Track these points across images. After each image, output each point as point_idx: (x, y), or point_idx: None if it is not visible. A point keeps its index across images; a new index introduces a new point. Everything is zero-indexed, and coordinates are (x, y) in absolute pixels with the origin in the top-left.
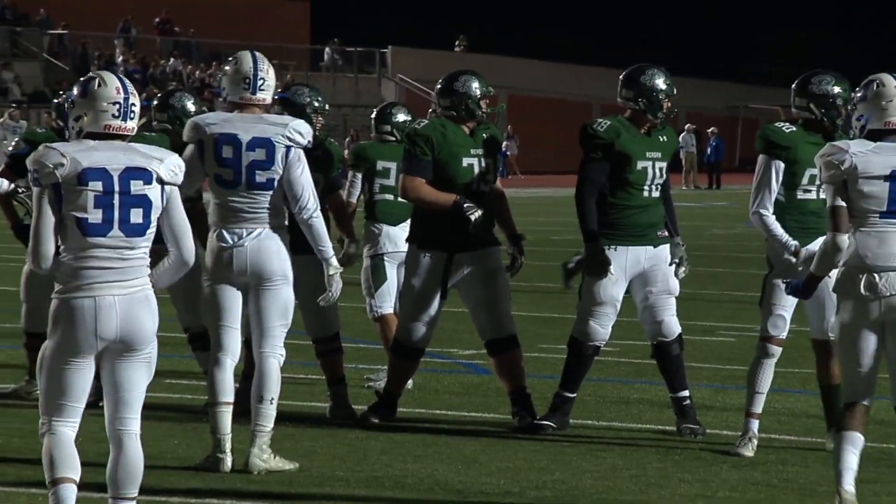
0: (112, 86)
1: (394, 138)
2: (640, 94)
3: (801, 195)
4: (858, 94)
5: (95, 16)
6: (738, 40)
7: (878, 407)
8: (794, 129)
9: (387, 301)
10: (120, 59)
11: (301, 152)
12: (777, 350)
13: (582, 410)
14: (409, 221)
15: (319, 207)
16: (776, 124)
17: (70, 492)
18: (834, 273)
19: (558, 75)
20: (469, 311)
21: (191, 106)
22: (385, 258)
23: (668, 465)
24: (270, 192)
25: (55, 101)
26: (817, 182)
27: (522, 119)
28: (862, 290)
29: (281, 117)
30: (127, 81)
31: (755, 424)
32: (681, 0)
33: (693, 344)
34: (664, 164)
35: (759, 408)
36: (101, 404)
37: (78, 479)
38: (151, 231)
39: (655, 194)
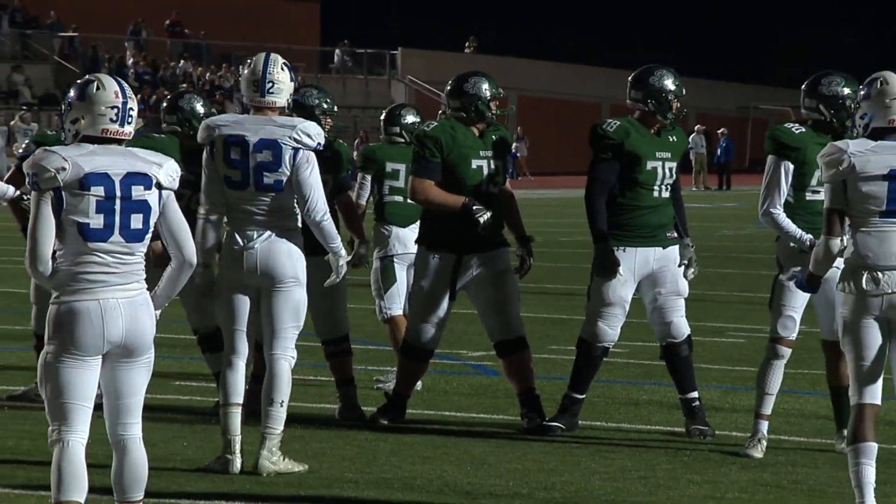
0: (111, 90)
1: (403, 140)
2: (649, 95)
3: (809, 196)
4: (862, 93)
5: (106, 18)
6: (749, 41)
7: (888, 408)
8: (804, 129)
9: (396, 303)
10: (130, 61)
11: (311, 154)
12: (787, 351)
13: (591, 412)
14: (418, 223)
15: (328, 210)
16: (785, 125)
17: None
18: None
19: (568, 76)
20: (478, 313)
21: (200, 108)
22: (395, 260)
23: (677, 467)
24: (279, 194)
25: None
26: None
27: (532, 120)
28: (864, 286)
29: (290, 119)
30: (125, 85)
31: (764, 426)
32: (691, 1)
33: (702, 345)
34: (674, 165)
35: (768, 409)
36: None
37: (83, 501)
38: (149, 237)
39: (665, 195)
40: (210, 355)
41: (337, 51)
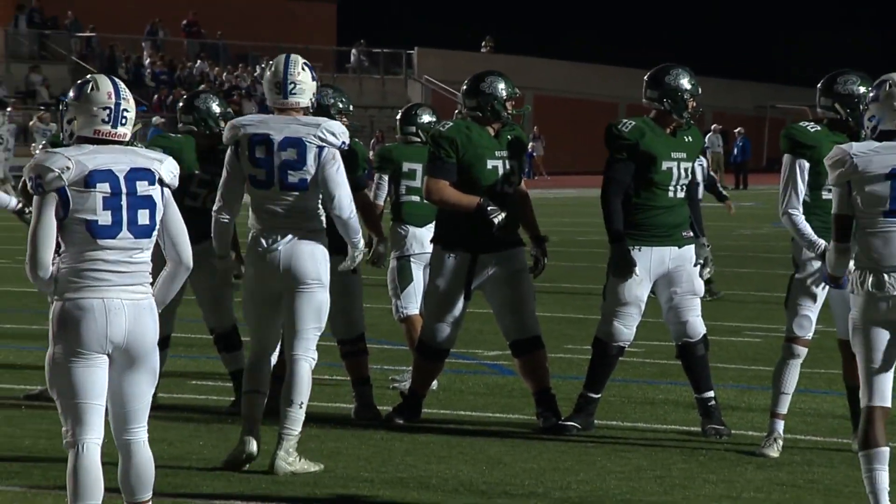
0: (104, 90)
1: (419, 139)
2: (665, 95)
3: (825, 195)
4: (870, 95)
5: (123, 19)
6: (766, 40)
7: None
8: (819, 128)
9: (412, 302)
10: (147, 61)
11: (336, 152)
12: (803, 350)
13: (607, 411)
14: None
15: (355, 207)
16: (801, 124)
17: None
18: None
19: (584, 76)
20: (493, 312)
21: (216, 108)
22: (411, 259)
23: (692, 466)
24: (303, 193)
25: None
26: None
27: (548, 120)
28: (870, 288)
29: (314, 118)
30: (122, 87)
31: (780, 425)
32: (708, 1)
33: (718, 344)
34: (689, 165)
35: (784, 408)
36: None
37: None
38: (156, 233)
39: (681, 195)
40: (226, 355)
41: (353, 51)
